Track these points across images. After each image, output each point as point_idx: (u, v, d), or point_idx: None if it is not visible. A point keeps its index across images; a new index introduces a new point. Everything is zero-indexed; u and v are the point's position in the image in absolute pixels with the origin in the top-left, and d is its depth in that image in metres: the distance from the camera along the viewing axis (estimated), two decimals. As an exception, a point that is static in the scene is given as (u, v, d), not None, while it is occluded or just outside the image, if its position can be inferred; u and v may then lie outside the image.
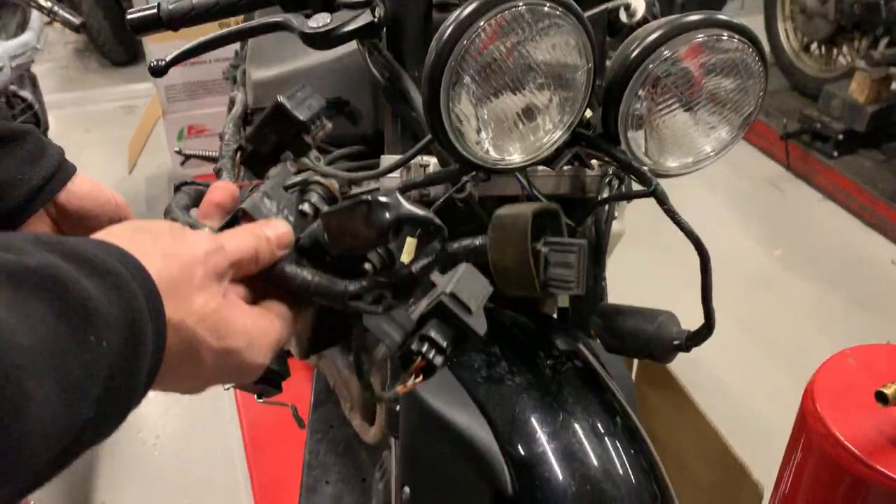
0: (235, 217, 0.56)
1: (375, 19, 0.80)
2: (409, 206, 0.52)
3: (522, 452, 0.80)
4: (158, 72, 0.85)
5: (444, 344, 0.57)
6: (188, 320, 0.45)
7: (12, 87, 2.00)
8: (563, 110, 0.72)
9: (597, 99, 0.78)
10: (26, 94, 2.06)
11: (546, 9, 0.66)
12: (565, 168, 0.82)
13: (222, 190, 0.58)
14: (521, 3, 0.66)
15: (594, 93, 0.76)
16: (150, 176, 3.50)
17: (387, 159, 0.90)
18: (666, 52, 0.72)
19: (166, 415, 2.22)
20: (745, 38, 0.72)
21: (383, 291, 0.56)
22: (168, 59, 0.85)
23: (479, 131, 0.69)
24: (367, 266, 0.56)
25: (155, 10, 0.92)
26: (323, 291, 0.54)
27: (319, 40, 0.80)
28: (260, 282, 0.54)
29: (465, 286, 0.57)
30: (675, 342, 0.80)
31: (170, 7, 0.91)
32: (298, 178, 0.60)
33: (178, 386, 0.48)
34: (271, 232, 0.53)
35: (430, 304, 0.58)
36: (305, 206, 0.58)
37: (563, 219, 0.58)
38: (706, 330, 0.76)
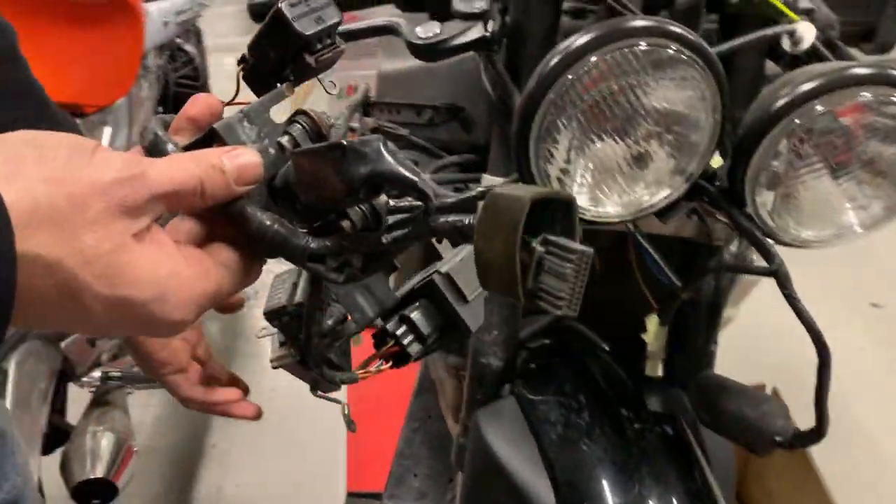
0: (207, 137, 0.46)
1: (487, 34, 0.73)
2: (390, 161, 0.41)
3: (582, 527, 0.73)
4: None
5: (427, 331, 0.50)
6: (68, 261, 0.37)
7: (178, 41, 2.10)
8: (678, 165, 0.63)
9: (728, 143, 0.67)
10: (190, 48, 2.15)
11: (671, 51, 0.57)
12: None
13: (201, 102, 0.48)
14: (642, 42, 0.57)
15: (725, 137, 0.65)
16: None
17: (487, 180, 0.83)
18: (820, 106, 0.60)
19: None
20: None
21: (350, 258, 0.46)
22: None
23: (566, 172, 0.61)
24: (346, 224, 0.45)
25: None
26: (279, 242, 0.44)
27: (425, 52, 0.75)
28: (219, 218, 0.45)
29: (466, 269, 0.49)
30: (778, 438, 0.69)
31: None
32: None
33: (63, 327, 0.41)
34: (230, 162, 0.43)
35: (421, 281, 0.50)
36: (284, 139, 0.47)
37: (576, 213, 0.44)
38: (816, 434, 0.65)
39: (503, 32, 0.78)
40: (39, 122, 0.73)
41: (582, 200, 0.63)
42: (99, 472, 1.30)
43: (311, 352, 0.53)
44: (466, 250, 0.49)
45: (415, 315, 0.50)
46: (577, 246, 0.40)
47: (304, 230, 0.46)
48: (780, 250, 0.67)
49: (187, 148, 0.46)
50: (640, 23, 0.57)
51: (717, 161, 0.68)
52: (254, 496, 1.98)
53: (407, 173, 0.41)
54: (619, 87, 0.59)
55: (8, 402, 1.23)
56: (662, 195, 0.63)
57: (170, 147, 0.44)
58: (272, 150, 0.47)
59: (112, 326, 0.40)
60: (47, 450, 1.32)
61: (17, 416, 1.25)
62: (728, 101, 0.61)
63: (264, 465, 2.05)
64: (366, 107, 1.15)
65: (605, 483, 0.75)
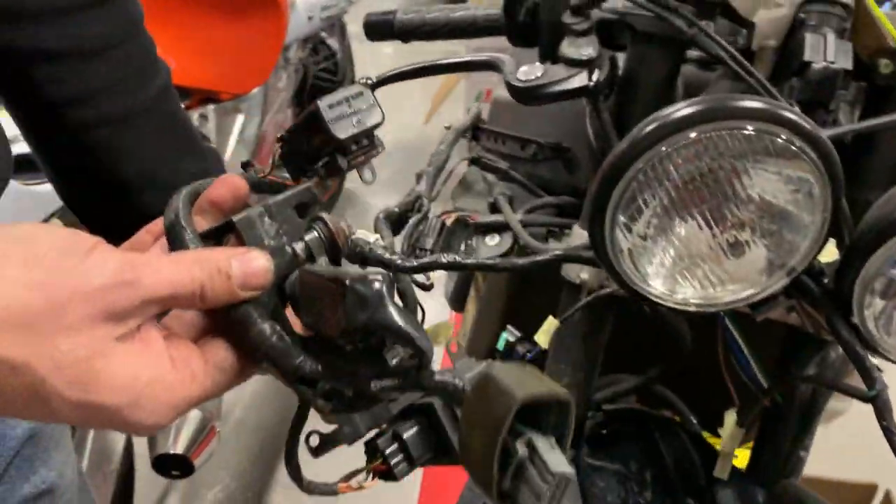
0: (225, 228, 0.45)
1: (591, 83, 0.68)
2: (390, 312, 0.38)
3: None
4: (371, 88, 0.81)
5: (417, 454, 0.47)
6: (38, 365, 0.36)
7: (322, 34, 2.15)
8: (774, 261, 0.55)
9: (847, 232, 0.59)
10: (333, 42, 2.20)
11: (780, 140, 0.50)
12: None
13: (226, 185, 0.47)
14: (749, 126, 0.51)
15: (843, 225, 0.58)
16: (442, 129, 3.65)
17: (578, 234, 0.79)
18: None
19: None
20: None
21: (342, 389, 0.44)
22: (376, 79, 0.81)
23: (641, 249, 0.56)
24: (350, 348, 0.43)
25: (390, 18, 0.89)
26: (273, 356, 0.42)
27: (523, 95, 0.71)
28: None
29: (510, 375, 0.45)
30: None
31: (404, 18, 0.87)
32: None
33: (32, 420, 0.41)
34: (239, 267, 0.41)
35: (420, 400, 0.47)
36: (299, 247, 0.45)
37: (572, 417, 0.41)
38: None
39: (611, 81, 0.72)
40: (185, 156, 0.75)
41: (657, 283, 0.57)
42: (179, 448, 1.35)
43: (292, 461, 0.51)
44: (472, 373, 0.45)
45: (408, 435, 0.47)
46: (557, 469, 0.38)
47: (304, 344, 0.43)
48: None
49: (204, 235, 0.44)
50: (749, 104, 0.51)
51: (830, 253, 0.61)
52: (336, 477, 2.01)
53: (405, 327, 0.38)
54: (716, 168, 0.53)
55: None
56: (750, 292, 0.56)
57: (187, 235, 0.43)
58: (289, 250, 0.45)
59: (83, 424, 0.40)
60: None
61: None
62: (841, 195, 0.53)
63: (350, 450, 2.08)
64: (475, 130, 1.13)
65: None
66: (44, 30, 0.62)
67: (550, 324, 0.75)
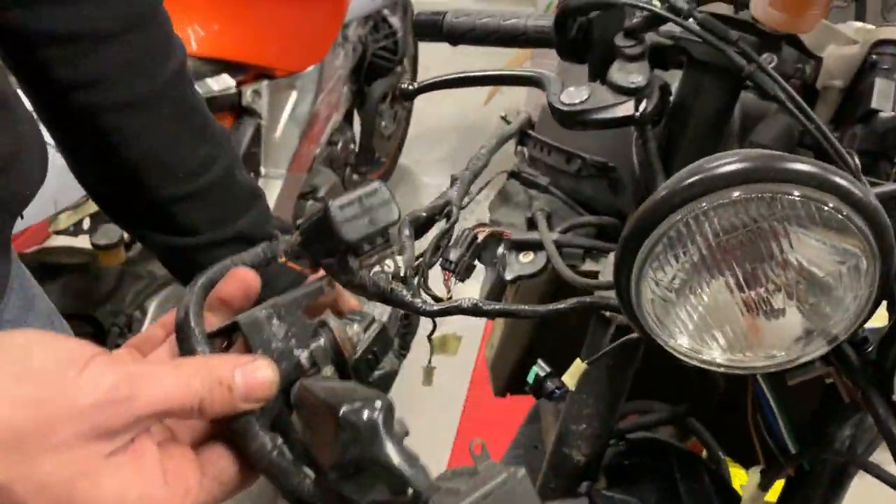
0: (232, 328, 0.43)
1: (636, 114, 0.65)
2: (387, 449, 0.37)
3: None
4: (407, 96, 0.79)
5: None
6: (19, 487, 0.34)
7: (384, 12, 2.12)
8: (811, 329, 0.52)
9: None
10: (395, 20, 2.17)
11: (827, 209, 0.46)
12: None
13: (236, 282, 0.45)
14: (795, 191, 0.47)
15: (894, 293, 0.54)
16: (500, 112, 3.59)
17: (608, 266, 0.76)
18: None
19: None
20: None
21: None
22: (417, 85, 0.79)
23: (667, 302, 0.53)
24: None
25: (439, 19, 0.86)
26: (273, 473, 0.40)
27: (566, 118, 0.68)
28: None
29: None
30: None
31: (454, 20, 0.85)
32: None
33: None
34: (242, 379, 0.40)
35: None
36: (304, 356, 0.44)
37: None
38: None
39: (660, 110, 0.68)
40: (266, 223, 0.77)
41: (682, 340, 0.54)
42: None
43: None
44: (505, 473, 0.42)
45: None
46: None
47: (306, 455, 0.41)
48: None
49: (213, 335, 0.43)
50: (799, 167, 0.47)
51: (881, 318, 0.56)
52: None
53: (400, 465, 0.36)
54: (755, 229, 0.49)
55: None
56: (784, 358, 0.53)
57: (194, 337, 0.41)
58: (296, 354, 0.43)
59: None
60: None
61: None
62: (893, 267, 0.49)
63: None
64: (523, 135, 1.09)
65: None
66: (59, 11, 0.61)
67: (578, 367, 0.72)
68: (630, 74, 0.66)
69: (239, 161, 0.77)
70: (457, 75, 0.79)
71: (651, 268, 0.52)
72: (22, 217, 0.68)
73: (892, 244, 0.48)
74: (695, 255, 0.51)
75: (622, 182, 0.90)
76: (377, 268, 0.60)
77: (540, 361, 0.83)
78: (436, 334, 0.78)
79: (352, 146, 2.17)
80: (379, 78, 2.22)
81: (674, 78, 0.73)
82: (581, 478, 0.81)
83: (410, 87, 0.80)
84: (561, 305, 0.61)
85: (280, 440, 0.40)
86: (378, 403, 0.37)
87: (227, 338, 0.44)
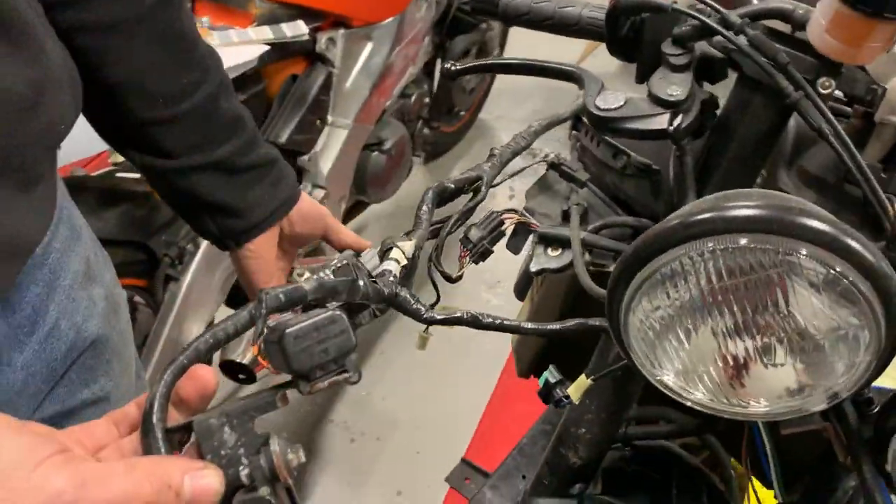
0: (187, 427, 0.45)
1: (671, 128, 0.62)
2: None
3: None
4: (450, 76, 0.78)
5: None
6: None
7: (475, -34, 2.07)
8: (809, 382, 0.50)
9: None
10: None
11: (833, 273, 0.44)
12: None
13: (192, 381, 0.47)
14: (802, 251, 0.44)
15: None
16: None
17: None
18: None
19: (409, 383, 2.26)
20: None
21: None
22: (460, 66, 0.78)
23: (653, 335, 0.52)
24: None
25: (497, -3, 0.84)
26: None
27: (598, 124, 0.65)
28: None
29: None
30: None
31: (510, 1, 0.82)
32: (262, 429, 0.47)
33: None
34: (190, 485, 0.41)
35: None
36: (243, 474, 0.45)
37: None
38: None
39: (700, 125, 0.65)
40: (250, 152, 0.78)
41: (669, 377, 0.52)
42: (246, 359, 1.42)
43: None
44: None
45: None
46: None
47: None
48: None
49: (170, 431, 0.45)
50: (812, 223, 0.44)
51: (890, 378, 0.53)
52: (394, 410, 2.07)
53: None
54: (759, 279, 0.47)
55: (188, 277, 1.37)
56: (777, 408, 0.51)
57: (153, 433, 0.43)
58: (240, 469, 0.44)
59: None
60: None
61: (191, 293, 1.38)
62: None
63: (413, 389, 2.13)
64: (577, 120, 1.06)
65: None
66: None
67: (582, 382, 0.71)
68: (671, 86, 0.63)
69: (227, 88, 0.77)
70: (497, 61, 0.77)
71: (643, 298, 0.50)
72: (59, 148, 0.70)
73: (892, 306, 0.45)
74: (687, 294, 0.49)
75: (664, 186, 0.87)
76: (384, 264, 0.61)
77: (552, 368, 0.82)
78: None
79: (426, 100, 2.16)
80: (462, 33, 2.18)
81: (725, 90, 0.70)
82: (576, 479, 0.80)
83: (453, 68, 0.78)
84: (563, 326, 0.61)
85: None
86: None
87: (186, 433, 0.45)
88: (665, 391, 0.53)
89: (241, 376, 1.53)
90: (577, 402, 0.76)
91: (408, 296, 0.59)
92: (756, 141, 0.67)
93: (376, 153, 1.88)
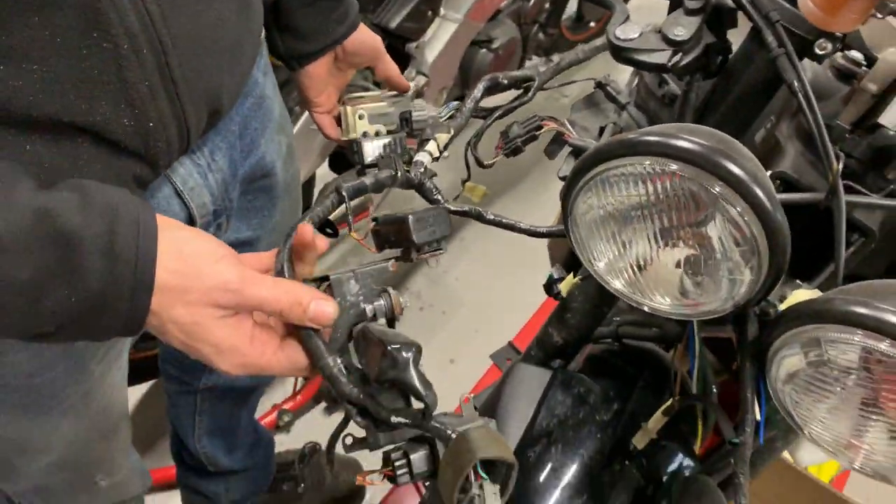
0: (323, 278, 0.64)
1: (668, 64, 0.70)
2: (411, 374, 0.55)
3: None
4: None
5: (416, 471, 0.61)
6: (163, 314, 0.55)
7: None
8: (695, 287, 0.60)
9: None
10: None
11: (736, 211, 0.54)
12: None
13: (299, 236, 0.63)
14: (717, 187, 0.55)
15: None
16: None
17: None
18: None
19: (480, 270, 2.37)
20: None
21: (373, 413, 0.60)
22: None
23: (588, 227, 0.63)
24: (383, 390, 0.60)
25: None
26: (332, 382, 0.59)
27: (613, 51, 0.75)
28: None
29: (479, 437, 0.58)
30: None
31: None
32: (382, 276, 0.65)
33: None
34: (315, 307, 0.58)
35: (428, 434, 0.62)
36: (368, 308, 0.63)
37: (513, 476, 0.57)
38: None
39: (703, 66, 0.73)
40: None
41: (600, 265, 0.64)
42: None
43: (331, 452, 0.73)
44: (462, 427, 0.59)
45: (413, 456, 0.61)
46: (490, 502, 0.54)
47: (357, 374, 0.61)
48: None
49: (308, 280, 0.64)
50: (729, 166, 0.54)
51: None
52: (463, 290, 2.24)
53: (419, 387, 0.55)
54: (684, 200, 0.57)
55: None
56: (670, 307, 0.62)
57: (285, 269, 0.62)
58: (363, 306, 0.63)
59: (186, 351, 0.59)
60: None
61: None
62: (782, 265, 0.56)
63: (483, 275, 2.28)
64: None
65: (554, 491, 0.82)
66: None
67: (570, 280, 0.84)
68: (678, 27, 0.71)
69: None
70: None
71: (587, 195, 0.62)
72: None
73: (782, 242, 0.54)
74: (622, 202, 0.60)
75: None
76: (419, 156, 0.76)
77: (558, 265, 0.95)
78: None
79: (546, 5, 2.19)
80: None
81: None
82: (556, 356, 0.94)
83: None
84: (545, 229, 0.74)
85: (339, 360, 0.60)
86: (413, 347, 0.56)
87: (323, 282, 0.64)
88: (594, 274, 0.65)
89: (327, 230, 1.73)
90: (565, 296, 0.89)
91: (432, 186, 0.77)
92: (754, 90, 0.74)
93: (484, 51, 1.96)
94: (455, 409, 0.76)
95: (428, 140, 0.84)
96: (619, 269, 0.63)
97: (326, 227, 1.78)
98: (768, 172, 0.68)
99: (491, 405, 0.92)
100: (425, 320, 2.15)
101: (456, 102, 0.91)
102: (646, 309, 0.64)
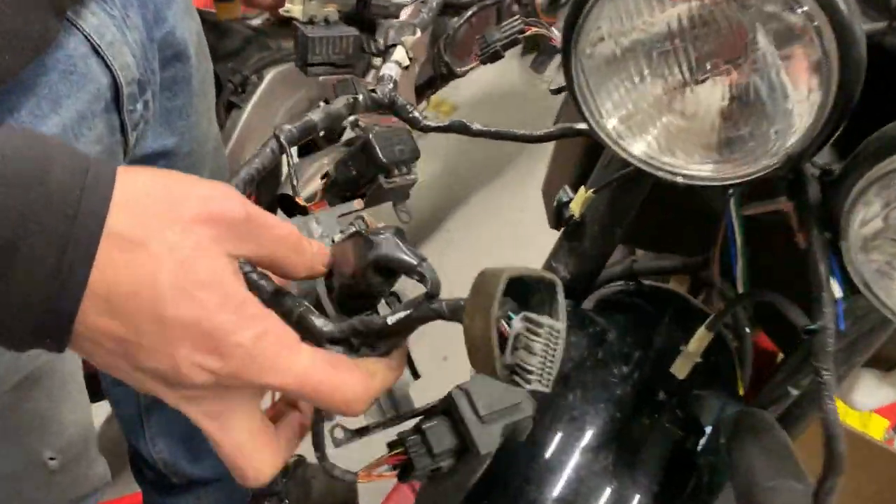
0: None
1: None
2: (394, 248, 0.44)
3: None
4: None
5: (438, 450, 0.50)
6: (154, 243, 0.39)
7: None
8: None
9: None
10: None
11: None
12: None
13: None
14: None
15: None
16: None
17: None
18: None
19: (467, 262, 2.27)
20: None
21: (362, 339, 0.48)
22: None
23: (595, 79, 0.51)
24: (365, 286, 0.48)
25: None
26: (302, 321, 0.46)
27: None
28: None
29: (487, 391, 0.51)
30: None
31: None
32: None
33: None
34: (316, 248, 0.47)
35: (442, 400, 0.52)
36: (337, 234, 0.52)
37: (561, 295, 0.41)
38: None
39: None
40: None
41: (612, 122, 0.51)
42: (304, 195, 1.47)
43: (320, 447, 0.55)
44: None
45: (428, 426, 0.50)
46: (546, 320, 0.39)
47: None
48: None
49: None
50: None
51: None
52: (454, 288, 2.12)
53: (408, 258, 0.44)
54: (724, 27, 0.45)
55: (249, 106, 1.42)
56: (706, 168, 0.49)
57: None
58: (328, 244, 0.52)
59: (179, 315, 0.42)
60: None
61: (251, 122, 1.43)
62: (854, 88, 0.43)
63: (475, 266, 2.15)
64: None
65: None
66: None
67: (582, 195, 0.71)
68: None
69: None
70: None
71: (594, 24, 0.49)
72: None
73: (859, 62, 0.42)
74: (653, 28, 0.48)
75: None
76: (385, 68, 0.63)
77: (566, 187, 0.82)
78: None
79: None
80: None
81: None
82: (566, 294, 0.81)
83: None
84: (544, 132, 0.63)
85: (307, 304, 0.47)
86: (392, 229, 0.46)
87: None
88: (605, 141, 0.52)
89: (290, 211, 1.60)
90: (577, 217, 0.76)
91: (406, 105, 0.64)
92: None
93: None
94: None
95: (394, 46, 0.72)
96: (643, 122, 0.49)
97: (284, 203, 1.64)
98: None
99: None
100: (416, 319, 2.03)
101: (422, -12, 0.78)
102: (679, 180, 0.51)
